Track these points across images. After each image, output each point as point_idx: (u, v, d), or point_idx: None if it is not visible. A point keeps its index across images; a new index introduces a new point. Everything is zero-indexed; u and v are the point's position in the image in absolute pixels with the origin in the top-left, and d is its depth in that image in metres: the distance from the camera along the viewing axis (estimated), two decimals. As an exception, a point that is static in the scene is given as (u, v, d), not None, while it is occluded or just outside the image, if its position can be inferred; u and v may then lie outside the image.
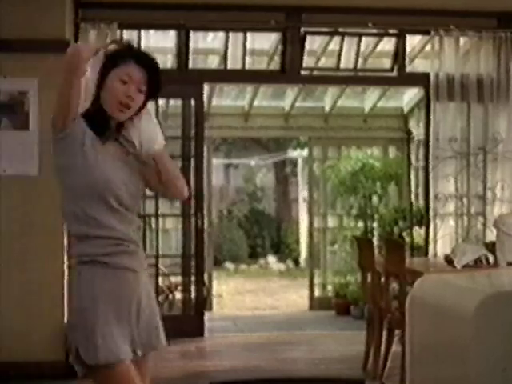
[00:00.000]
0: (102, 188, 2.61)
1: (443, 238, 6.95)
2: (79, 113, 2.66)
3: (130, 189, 2.70)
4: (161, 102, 7.75)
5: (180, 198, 3.02)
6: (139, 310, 2.69)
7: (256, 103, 9.51)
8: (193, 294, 7.23)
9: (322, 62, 8.16)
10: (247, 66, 7.36)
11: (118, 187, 2.65)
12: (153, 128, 2.72)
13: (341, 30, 7.24)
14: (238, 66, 7.36)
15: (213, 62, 8.35)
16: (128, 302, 2.66)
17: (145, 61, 2.72)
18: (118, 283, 2.64)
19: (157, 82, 2.73)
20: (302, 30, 6.92)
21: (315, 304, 9.20)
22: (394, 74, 7.20)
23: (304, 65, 7.10)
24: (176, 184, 2.99)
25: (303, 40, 6.95)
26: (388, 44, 7.49)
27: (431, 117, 6.94)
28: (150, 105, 2.78)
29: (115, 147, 2.72)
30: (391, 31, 7.16)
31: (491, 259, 4.95)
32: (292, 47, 6.95)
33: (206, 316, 7.29)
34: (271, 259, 15.25)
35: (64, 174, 2.66)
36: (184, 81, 7.04)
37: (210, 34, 8.04)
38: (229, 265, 14.54)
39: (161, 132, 2.77)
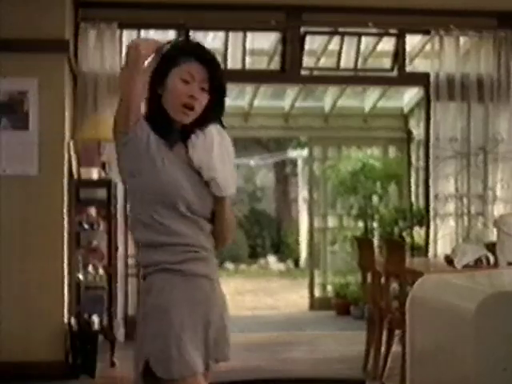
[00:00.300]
0: (170, 193, 2.44)
1: (443, 238, 6.94)
2: (141, 115, 2.51)
3: (198, 193, 2.48)
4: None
5: (219, 249, 2.66)
6: (213, 319, 2.51)
7: (256, 103, 9.51)
8: (193, 294, 7.22)
9: (322, 62, 8.16)
10: (247, 66, 7.35)
11: (186, 192, 2.46)
12: (228, 168, 2.50)
13: (341, 29, 7.24)
14: (238, 66, 7.35)
15: (213, 62, 8.34)
16: (203, 311, 2.48)
17: (206, 57, 2.54)
18: (192, 291, 2.46)
19: (219, 79, 2.56)
20: (302, 29, 6.92)
21: (315, 304, 9.20)
22: (394, 73, 7.20)
23: (304, 65, 7.09)
24: (225, 237, 2.60)
25: (303, 40, 6.95)
26: (388, 44, 7.48)
27: (431, 117, 6.94)
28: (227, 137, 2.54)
29: (182, 150, 2.51)
30: (391, 31, 7.16)
31: (491, 259, 4.95)
32: (292, 47, 6.94)
33: (206, 316, 7.27)
34: (271, 259, 15.26)
35: (130, 180, 2.50)
36: (184, 81, 7.04)
37: (210, 34, 8.03)
38: (229, 265, 14.54)
39: (235, 174, 2.53)
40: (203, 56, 2.53)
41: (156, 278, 2.46)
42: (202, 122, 2.50)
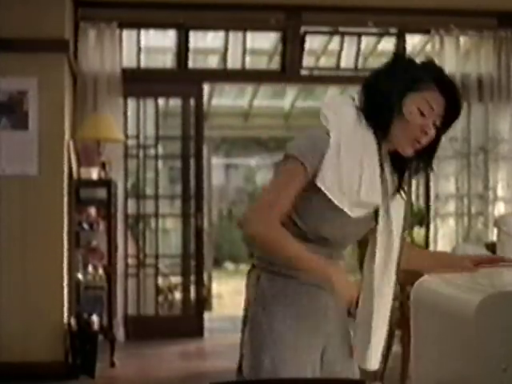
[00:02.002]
0: (338, 238, 2.27)
1: (443, 238, 6.94)
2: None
3: (357, 231, 2.29)
4: (161, 101, 7.76)
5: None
6: (329, 333, 2.31)
7: (256, 103, 9.52)
8: (192, 294, 7.22)
9: (322, 62, 8.16)
10: (247, 66, 7.35)
11: (351, 240, 2.32)
12: None
13: (341, 29, 7.23)
14: (238, 66, 7.35)
15: (213, 62, 8.36)
16: (317, 324, 2.28)
17: (448, 87, 2.18)
18: (307, 301, 2.25)
19: (455, 114, 2.20)
20: (302, 29, 6.92)
21: (315, 304, 9.19)
22: (395, 73, 7.18)
23: (304, 64, 7.09)
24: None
25: (303, 39, 6.94)
26: (388, 43, 7.48)
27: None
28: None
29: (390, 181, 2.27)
30: (391, 31, 7.16)
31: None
32: (292, 47, 6.94)
33: (206, 316, 7.28)
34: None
35: (317, 212, 2.20)
36: (184, 80, 7.04)
37: (210, 34, 8.04)
38: (229, 265, 14.54)
39: None
40: (446, 85, 2.18)
41: (273, 278, 2.29)
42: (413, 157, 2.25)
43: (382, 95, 2.17)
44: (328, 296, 2.25)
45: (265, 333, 2.23)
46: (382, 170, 2.22)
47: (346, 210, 2.15)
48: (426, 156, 2.28)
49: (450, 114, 2.20)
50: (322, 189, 2.13)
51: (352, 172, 2.14)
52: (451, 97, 2.18)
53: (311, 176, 2.14)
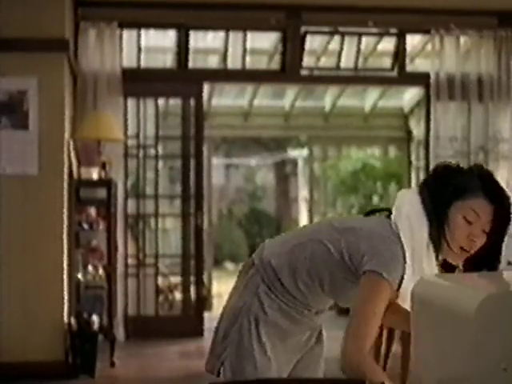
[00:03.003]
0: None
1: (444, 237, 6.94)
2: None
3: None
4: (161, 101, 7.76)
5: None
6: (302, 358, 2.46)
7: (256, 103, 9.51)
8: (192, 294, 7.23)
9: (323, 62, 8.16)
10: (247, 66, 7.35)
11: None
12: None
13: (341, 29, 7.23)
14: (238, 66, 7.35)
15: (213, 62, 8.36)
16: (296, 348, 2.42)
17: (496, 195, 2.19)
18: (294, 324, 2.36)
19: (505, 222, 2.17)
20: (302, 29, 6.92)
21: (315, 304, 9.19)
22: (395, 73, 7.20)
23: (304, 64, 7.09)
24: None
25: (303, 39, 6.94)
26: (388, 43, 7.48)
27: (432, 116, 6.94)
28: None
29: None
30: (391, 30, 7.16)
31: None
32: (292, 46, 6.94)
33: (206, 316, 7.28)
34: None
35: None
36: (184, 80, 7.04)
37: (210, 34, 8.03)
38: (228, 265, 14.54)
39: None
40: (494, 192, 2.20)
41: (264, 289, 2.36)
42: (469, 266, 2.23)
43: (431, 205, 2.18)
44: (312, 332, 2.45)
45: (253, 342, 2.26)
46: None
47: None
48: (488, 262, 2.22)
49: (501, 220, 2.17)
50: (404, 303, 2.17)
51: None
52: (500, 203, 2.17)
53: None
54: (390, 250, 2.17)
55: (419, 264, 2.18)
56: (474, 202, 2.15)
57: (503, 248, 2.24)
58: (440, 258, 2.24)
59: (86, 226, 6.09)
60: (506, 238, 2.25)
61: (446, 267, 2.28)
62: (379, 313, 2.14)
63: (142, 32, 7.16)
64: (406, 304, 2.13)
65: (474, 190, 2.17)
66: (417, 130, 9.18)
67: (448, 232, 2.16)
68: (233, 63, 7.54)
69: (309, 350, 2.49)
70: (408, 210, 2.22)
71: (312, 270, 2.28)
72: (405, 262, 2.15)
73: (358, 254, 2.19)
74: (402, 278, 2.16)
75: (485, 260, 2.20)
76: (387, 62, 7.43)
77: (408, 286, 2.08)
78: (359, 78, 7.65)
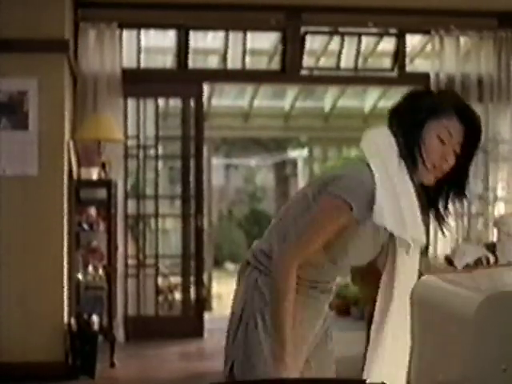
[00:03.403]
0: (359, 261, 2.35)
1: (443, 238, 6.94)
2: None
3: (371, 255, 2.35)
4: (161, 102, 7.76)
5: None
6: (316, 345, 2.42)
7: (256, 103, 9.52)
8: (192, 295, 7.22)
9: (322, 62, 8.16)
10: (247, 66, 7.35)
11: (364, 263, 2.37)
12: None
13: (341, 29, 7.23)
14: (238, 66, 7.36)
15: (213, 62, 8.36)
16: (308, 333, 2.37)
17: (468, 116, 2.24)
18: (301, 309, 2.31)
19: (476, 145, 2.25)
20: (302, 29, 6.92)
21: (315, 304, 9.18)
22: (395, 73, 7.20)
23: (304, 65, 7.09)
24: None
25: (303, 40, 6.94)
26: (388, 44, 7.48)
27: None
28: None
29: None
30: (391, 31, 7.16)
31: (491, 259, 4.94)
32: (292, 47, 6.94)
33: (206, 316, 7.28)
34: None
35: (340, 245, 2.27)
36: (184, 80, 7.04)
37: (210, 34, 8.04)
38: (229, 265, 14.54)
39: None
40: (466, 113, 2.25)
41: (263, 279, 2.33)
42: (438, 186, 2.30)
43: (405, 125, 2.24)
44: (322, 308, 2.37)
45: (260, 338, 2.25)
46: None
47: (409, 241, 2.21)
48: (456, 185, 2.32)
49: (470, 142, 2.24)
50: (387, 228, 2.17)
51: (400, 204, 2.18)
52: (470, 124, 2.23)
53: (355, 219, 2.17)
54: (356, 178, 2.20)
55: (391, 186, 2.19)
56: (447, 122, 2.21)
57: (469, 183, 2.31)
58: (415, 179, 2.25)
59: (86, 227, 6.09)
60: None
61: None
62: (324, 231, 2.19)
63: (142, 32, 7.16)
64: (384, 221, 2.16)
65: (448, 110, 2.22)
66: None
67: (423, 151, 2.21)
68: (233, 63, 7.54)
69: (322, 345, 2.45)
70: (374, 135, 2.30)
71: (300, 224, 2.25)
72: (374, 195, 2.16)
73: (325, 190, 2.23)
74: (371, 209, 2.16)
75: (453, 182, 2.29)
76: (387, 63, 7.44)
77: (384, 208, 2.14)
78: (359, 78, 7.65)
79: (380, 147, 2.25)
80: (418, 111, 2.23)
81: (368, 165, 2.21)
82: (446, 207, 2.36)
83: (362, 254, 2.30)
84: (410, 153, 2.22)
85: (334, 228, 2.19)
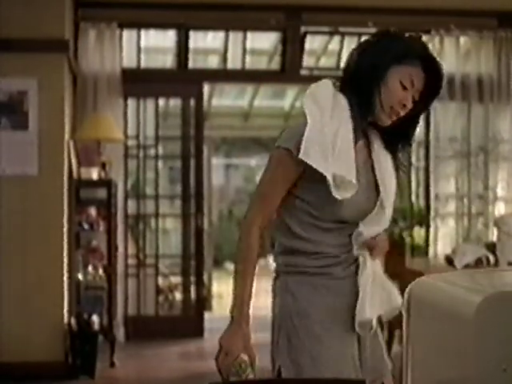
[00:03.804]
0: (354, 216, 2.28)
1: (443, 238, 6.94)
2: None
3: (364, 203, 2.30)
4: (161, 101, 7.76)
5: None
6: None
7: (256, 103, 9.52)
8: (193, 295, 7.22)
9: (322, 62, 8.17)
10: (247, 66, 7.35)
11: (364, 217, 2.31)
12: None
13: (341, 29, 7.24)
14: (238, 66, 7.36)
15: (213, 62, 8.36)
16: (346, 317, 2.28)
17: (432, 67, 2.24)
18: (333, 297, 2.28)
19: (433, 94, 2.29)
20: (302, 29, 6.92)
21: (315, 304, 9.19)
22: (395, 73, 7.19)
23: (304, 64, 7.10)
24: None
25: (303, 39, 6.94)
26: (388, 44, 7.48)
27: (431, 116, 6.94)
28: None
29: (364, 150, 2.32)
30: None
31: (491, 259, 4.94)
32: (292, 47, 6.94)
33: (206, 316, 7.28)
34: (271, 259, 15.25)
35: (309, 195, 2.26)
36: (184, 80, 7.04)
37: (210, 34, 8.04)
38: (229, 265, 14.53)
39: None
40: (431, 64, 2.25)
41: (294, 280, 2.30)
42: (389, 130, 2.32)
43: (369, 64, 2.23)
44: (354, 288, 2.29)
45: (302, 338, 2.25)
46: (356, 143, 2.26)
47: (328, 176, 2.16)
48: (406, 132, 2.35)
49: (430, 92, 2.27)
50: (307, 161, 2.15)
51: (329, 142, 2.18)
52: (433, 74, 2.25)
53: (299, 159, 2.18)
54: (293, 127, 2.29)
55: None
56: (412, 69, 2.22)
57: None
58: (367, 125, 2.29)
59: (86, 227, 6.09)
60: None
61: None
62: (276, 183, 2.25)
63: (142, 32, 7.16)
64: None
65: (413, 58, 2.22)
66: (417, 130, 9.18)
67: (383, 93, 2.22)
68: (233, 63, 7.55)
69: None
70: (312, 90, 2.27)
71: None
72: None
73: None
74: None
75: (402, 130, 2.32)
76: (387, 63, 7.44)
77: (308, 144, 2.15)
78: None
79: (316, 96, 2.25)
80: (386, 53, 2.23)
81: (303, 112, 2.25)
82: (395, 151, 2.39)
83: (355, 202, 2.24)
84: (370, 91, 2.23)
85: (287, 177, 2.23)
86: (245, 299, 2.27)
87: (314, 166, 2.15)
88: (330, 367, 2.21)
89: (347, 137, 2.20)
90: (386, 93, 2.23)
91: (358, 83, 2.24)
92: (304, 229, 2.27)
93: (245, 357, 2.32)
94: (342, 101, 2.23)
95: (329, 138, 2.17)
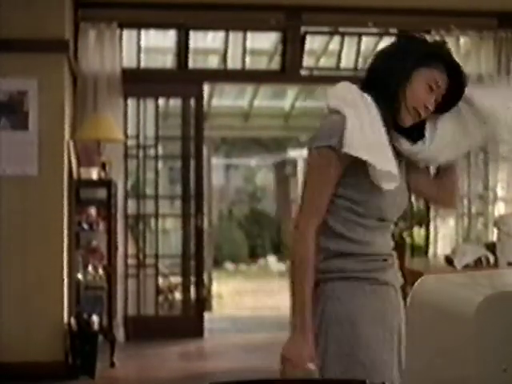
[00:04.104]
0: (390, 212, 2.32)
1: (443, 238, 6.94)
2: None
3: (400, 201, 2.35)
4: (161, 102, 7.76)
5: (451, 208, 2.64)
6: (401, 332, 2.28)
7: (256, 103, 9.52)
8: (192, 295, 7.22)
9: (322, 62, 8.16)
10: (247, 66, 7.35)
11: (399, 213, 2.36)
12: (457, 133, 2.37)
13: (341, 29, 7.24)
14: (238, 66, 7.36)
15: (213, 62, 8.36)
16: (391, 323, 2.29)
17: (454, 69, 2.31)
18: (381, 302, 2.28)
19: (456, 97, 2.34)
20: (302, 29, 6.92)
21: (315, 304, 9.18)
22: (395, 73, 7.19)
23: (304, 64, 7.09)
24: (455, 194, 2.50)
25: (303, 40, 6.94)
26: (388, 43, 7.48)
27: (431, 116, 6.93)
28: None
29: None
30: (391, 31, 7.16)
31: (491, 259, 4.94)
32: (292, 47, 6.94)
33: (206, 316, 7.28)
34: (271, 259, 15.25)
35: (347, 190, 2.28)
36: (184, 80, 7.04)
37: (210, 34, 8.04)
38: (229, 265, 14.54)
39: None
40: (453, 67, 2.31)
41: (340, 285, 2.27)
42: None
43: (396, 66, 2.28)
44: (396, 292, 2.34)
45: (353, 345, 2.23)
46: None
47: (379, 167, 2.19)
48: (422, 133, 2.36)
49: (452, 96, 2.32)
50: (355, 154, 2.17)
51: (369, 136, 2.21)
52: (457, 81, 2.31)
53: (343, 154, 2.19)
54: (325, 123, 2.29)
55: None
56: (437, 72, 2.28)
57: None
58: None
59: (86, 227, 6.09)
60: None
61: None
62: (323, 183, 2.24)
63: (142, 32, 7.16)
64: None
65: (439, 61, 2.28)
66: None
67: (408, 94, 2.27)
68: (233, 63, 7.54)
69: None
70: (337, 91, 2.34)
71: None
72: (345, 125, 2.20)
73: None
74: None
75: (418, 127, 2.34)
76: (387, 63, 7.43)
77: (354, 138, 2.17)
78: (359, 78, 7.64)
79: (344, 95, 2.30)
80: (413, 55, 2.28)
81: (335, 112, 2.27)
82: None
83: (392, 197, 2.28)
84: (396, 92, 2.27)
85: (332, 176, 2.24)
86: (306, 306, 2.22)
87: (363, 158, 2.18)
88: (381, 374, 2.20)
89: (383, 132, 2.25)
90: (411, 95, 2.27)
91: (384, 84, 2.29)
92: (349, 229, 2.27)
93: (312, 366, 2.22)
94: (369, 99, 2.27)
95: (368, 132, 2.20)
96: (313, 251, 2.23)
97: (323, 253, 2.28)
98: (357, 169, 2.20)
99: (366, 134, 2.19)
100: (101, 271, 6.08)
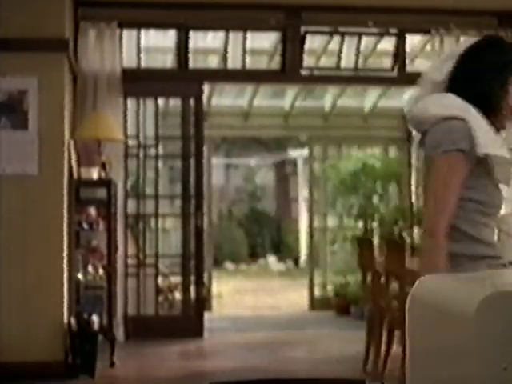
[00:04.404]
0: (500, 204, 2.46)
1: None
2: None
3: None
4: (160, 101, 7.76)
5: None
6: None
7: (256, 103, 9.51)
8: (192, 294, 7.22)
9: (323, 62, 8.16)
10: (247, 66, 7.35)
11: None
12: None
13: (341, 29, 7.24)
14: (238, 66, 7.36)
15: (213, 62, 8.36)
16: None
17: None
18: None
19: None
20: (302, 29, 6.92)
21: (315, 304, 9.20)
22: (395, 73, 7.20)
23: (304, 64, 7.10)
24: None
25: (303, 39, 6.94)
26: (388, 43, 7.48)
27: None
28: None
29: None
30: (391, 30, 7.16)
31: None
32: (292, 46, 6.94)
33: (206, 316, 7.28)
34: (271, 259, 15.26)
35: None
36: (184, 80, 7.04)
37: (210, 34, 8.04)
38: (229, 265, 14.55)
39: None
40: None
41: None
42: None
43: (494, 67, 2.38)
44: None
45: None
46: None
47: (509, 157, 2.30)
48: None
49: None
50: (490, 153, 2.26)
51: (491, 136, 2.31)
52: None
53: (471, 156, 2.28)
54: (444, 127, 2.34)
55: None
56: None
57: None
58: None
59: (85, 226, 6.09)
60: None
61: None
62: (450, 185, 2.30)
63: (142, 32, 7.17)
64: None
65: None
66: (417, 130, 9.16)
67: (504, 100, 2.38)
68: (233, 63, 7.54)
69: None
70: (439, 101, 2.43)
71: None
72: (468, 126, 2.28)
73: None
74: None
75: None
76: (387, 62, 7.44)
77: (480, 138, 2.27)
78: (359, 78, 7.65)
79: (456, 104, 2.36)
80: (506, 61, 2.39)
81: (448, 118, 2.33)
82: None
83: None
84: (499, 98, 2.36)
85: (461, 179, 2.30)
86: None
87: (504, 155, 2.27)
88: None
89: (493, 132, 2.33)
90: (507, 101, 2.38)
91: (483, 86, 2.38)
92: (478, 231, 2.38)
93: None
94: (471, 106, 2.35)
95: (490, 132, 2.30)
96: (446, 255, 2.29)
97: (454, 259, 2.33)
98: (479, 171, 2.29)
99: (490, 134, 2.29)
100: (101, 271, 6.08)
